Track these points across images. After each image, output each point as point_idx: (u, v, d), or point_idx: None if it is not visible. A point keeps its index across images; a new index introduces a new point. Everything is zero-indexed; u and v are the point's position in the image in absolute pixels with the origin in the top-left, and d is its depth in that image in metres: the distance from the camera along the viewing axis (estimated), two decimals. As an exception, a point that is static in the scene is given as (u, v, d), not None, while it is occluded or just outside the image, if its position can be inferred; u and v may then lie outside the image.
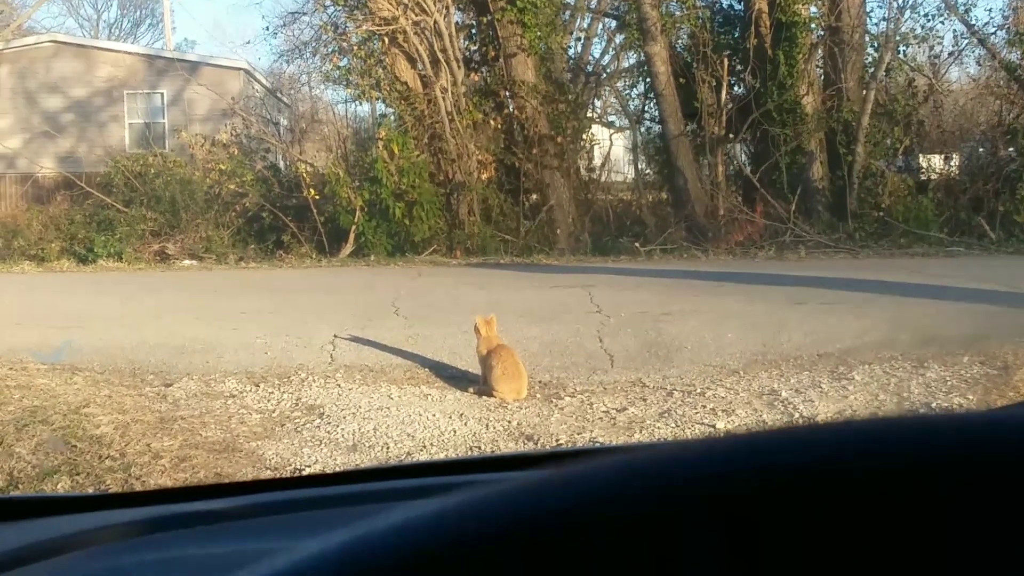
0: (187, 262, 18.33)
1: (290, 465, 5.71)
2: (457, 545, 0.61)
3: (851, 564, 0.61)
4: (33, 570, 1.38)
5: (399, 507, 0.67)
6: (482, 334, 7.61)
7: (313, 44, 21.82)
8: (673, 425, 6.35)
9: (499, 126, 19.09)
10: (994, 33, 19.57)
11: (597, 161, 22.32)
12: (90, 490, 5.28)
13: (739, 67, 19.01)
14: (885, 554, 0.61)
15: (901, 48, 19.27)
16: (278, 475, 5.54)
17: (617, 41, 23.90)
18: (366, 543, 0.62)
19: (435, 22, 18.23)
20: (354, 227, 18.04)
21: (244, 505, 1.62)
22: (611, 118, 25.50)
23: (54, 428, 6.30)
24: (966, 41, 20.01)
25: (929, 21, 19.25)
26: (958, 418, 0.70)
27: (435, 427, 6.48)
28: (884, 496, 0.61)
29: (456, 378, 8.01)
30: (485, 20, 19.24)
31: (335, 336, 9.33)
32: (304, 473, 5.56)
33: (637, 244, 17.58)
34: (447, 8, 18.58)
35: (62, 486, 5.30)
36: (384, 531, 0.63)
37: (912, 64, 19.73)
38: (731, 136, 19.43)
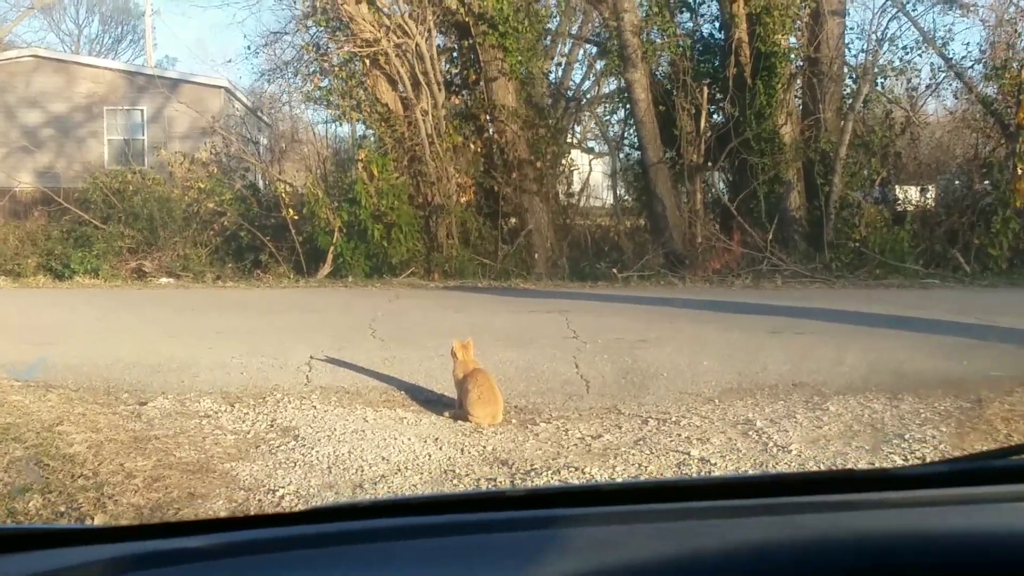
0: (164, 280, 18.28)
1: (264, 487, 5.69)
2: None
3: None
4: None
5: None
6: (459, 358, 7.62)
7: (294, 64, 21.80)
8: (648, 452, 6.35)
9: (479, 150, 19.15)
10: (971, 67, 19.76)
11: (576, 186, 22.42)
12: (62, 509, 5.25)
13: (718, 95, 19.11)
14: None
15: (879, 80, 19.42)
16: (252, 496, 5.52)
17: (598, 67, 24.05)
18: None
19: (417, 45, 18.29)
20: (332, 248, 18.04)
21: (221, 544, 1.61)
22: (590, 144, 25.65)
23: (27, 446, 6.27)
24: (943, 74, 20.17)
25: (907, 54, 19.41)
26: None
27: (410, 451, 6.47)
28: None
29: (432, 402, 8.01)
30: (467, 44, 19.30)
31: (311, 357, 9.32)
32: (278, 495, 5.54)
33: (615, 270, 17.61)
34: (429, 31, 18.64)
35: (33, 504, 5.26)
36: None
37: (890, 96, 19.89)
38: (709, 164, 19.51)
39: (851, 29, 20.86)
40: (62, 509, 5.27)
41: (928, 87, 20.53)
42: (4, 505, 5.28)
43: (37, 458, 6.03)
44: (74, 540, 1.72)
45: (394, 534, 1.60)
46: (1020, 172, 17.44)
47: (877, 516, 0.72)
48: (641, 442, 6.62)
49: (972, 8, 20.43)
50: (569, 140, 22.58)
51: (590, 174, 23.24)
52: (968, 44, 45.36)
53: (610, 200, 23.09)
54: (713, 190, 20.54)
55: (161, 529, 1.79)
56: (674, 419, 7.22)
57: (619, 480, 5.51)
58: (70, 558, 1.57)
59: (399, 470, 6.08)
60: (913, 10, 19.83)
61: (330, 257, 18.17)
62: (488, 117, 19.38)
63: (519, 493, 3.37)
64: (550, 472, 5.97)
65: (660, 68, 20.05)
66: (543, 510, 1.72)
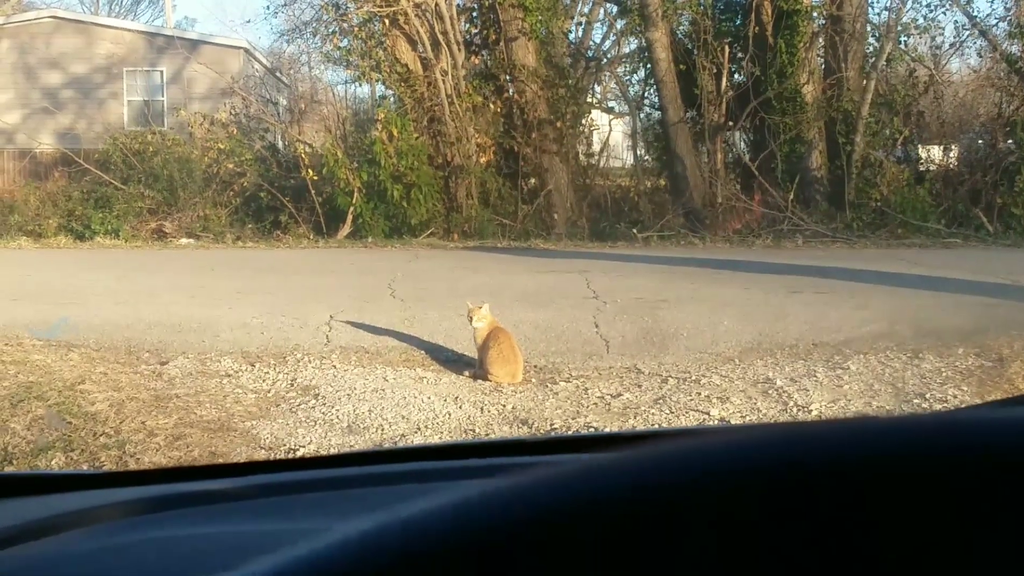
0: (184, 241, 18.31)
1: (284, 445, 5.72)
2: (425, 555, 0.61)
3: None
4: (30, 548, 1.38)
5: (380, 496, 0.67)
6: (473, 323, 7.61)
7: (314, 24, 21.78)
8: (668, 411, 6.36)
9: (499, 110, 19.06)
10: (995, 25, 19.60)
11: (596, 147, 22.31)
12: (84, 467, 5.29)
13: (740, 55, 18.97)
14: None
15: (902, 38, 19.26)
16: (273, 455, 5.55)
17: (618, 26, 23.85)
18: (342, 550, 0.62)
19: (436, 4, 18.18)
20: (352, 208, 18.02)
21: (241, 486, 1.62)
22: (611, 104, 25.48)
23: (49, 404, 6.31)
24: (967, 32, 20.02)
25: (931, 12, 19.26)
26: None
27: (430, 410, 6.49)
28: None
29: (452, 361, 8.02)
30: (486, 3, 19.19)
31: (331, 317, 9.33)
32: (299, 454, 5.57)
33: (634, 230, 17.57)
34: (449, -10, 18.55)
35: (56, 462, 5.31)
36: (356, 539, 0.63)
37: (913, 54, 19.71)
38: (730, 124, 19.40)
39: (874, -14, 20.68)
40: (85, 467, 5.31)
41: (952, 45, 20.44)
42: (27, 462, 5.32)
43: (60, 416, 6.08)
44: (95, 484, 1.73)
45: (412, 477, 1.60)
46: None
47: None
48: (661, 401, 6.62)
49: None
50: (589, 100, 22.43)
51: (610, 134, 23.11)
52: (992, 2, 44.90)
53: (630, 160, 22.98)
54: (734, 150, 20.44)
55: (181, 472, 1.79)
56: (694, 378, 7.22)
57: (638, 429, 5.52)
58: (91, 500, 1.58)
59: (419, 429, 6.10)
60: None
61: (350, 218, 18.17)
62: (508, 77, 19.29)
63: (537, 440, 3.37)
64: (569, 431, 5.98)
65: (681, 27, 19.90)
66: (560, 455, 1.72)
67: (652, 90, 20.39)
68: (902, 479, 0.62)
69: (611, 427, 6.05)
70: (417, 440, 5.90)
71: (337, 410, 6.45)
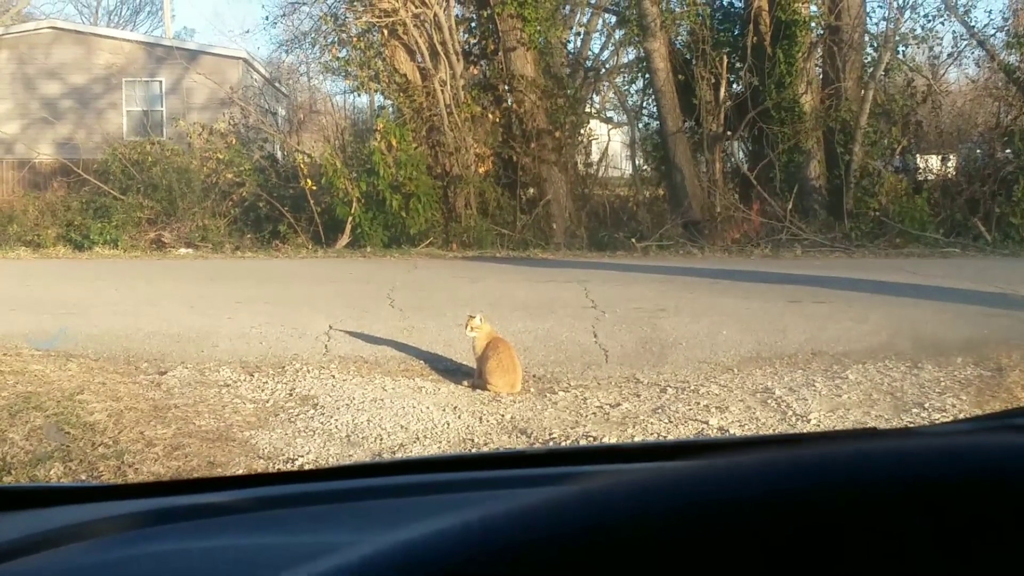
0: (183, 250, 18.31)
1: (283, 455, 5.71)
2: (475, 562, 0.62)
3: None
4: (30, 562, 1.38)
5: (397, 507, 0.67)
6: (473, 331, 7.61)
7: (312, 34, 21.84)
8: (667, 421, 6.35)
9: (497, 120, 19.07)
10: (993, 35, 19.63)
11: (595, 156, 22.33)
12: (83, 477, 5.29)
13: (738, 65, 18.99)
14: None
15: (900, 48, 19.29)
16: (271, 465, 5.55)
17: (616, 37, 23.91)
18: (385, 557, 0.62)
19: (435, 15, 18.20)
20: (351, 218, 18.03)
21: (243, 499, 1.62)
22: (609, 114, 25.54)
23: (48, 414, 6.31)
24: (965, 42, 20.11)
25: (929, 22, 19.33)
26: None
27: (429, 420, 6.48)
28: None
29: (451, 371, 8.02)
30: (485, 14, 19.23)
31: (330, 327, 9.33)
32: (297, 464, 5.57)
33: (633, 240, 17.58)
34: (447, 1, 18.55)
35: (55, 472, 5.30)
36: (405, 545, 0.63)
37: (911, 64, 19.75)
38: (729, 133, 19.43)
39: (872, -3, 20.72)
40: (83, 477, 5.31)
41: (950, 55, 20.52)
42: (26, 472, 5.32)
43: (58, 426, 6.07)
44: (94, 497, 1.73)
45: (412, 490, 1.60)
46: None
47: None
48: (660, 411, 6.62)
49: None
50: (588, 110, 22.49)
51: (609, 144, 23.16)
52: (991, 12, 45.10)
53: (629, 170, 23.01)
54: (732, 160, 20.45)
55: (180, 486, 1.79)
56: (693, 388, 7.22)
57: (638, 441, 5.53)
58: (89, 513, 1.57)
59: (417, 438, 6.10)
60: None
61: (348, 227, 18.17)
62: (507, 87, 19.32)
63: (537, 452, 3.37)
64: (568, 441, 5.97)
65: (679, 37, 19.93)
66: (560, 467, 1.72)
67: (650, 100, 20.41)
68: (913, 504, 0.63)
69: (610, 437, 6.05)
70: (416, 449, 5.90)
71: (336, 420, 6.44)
